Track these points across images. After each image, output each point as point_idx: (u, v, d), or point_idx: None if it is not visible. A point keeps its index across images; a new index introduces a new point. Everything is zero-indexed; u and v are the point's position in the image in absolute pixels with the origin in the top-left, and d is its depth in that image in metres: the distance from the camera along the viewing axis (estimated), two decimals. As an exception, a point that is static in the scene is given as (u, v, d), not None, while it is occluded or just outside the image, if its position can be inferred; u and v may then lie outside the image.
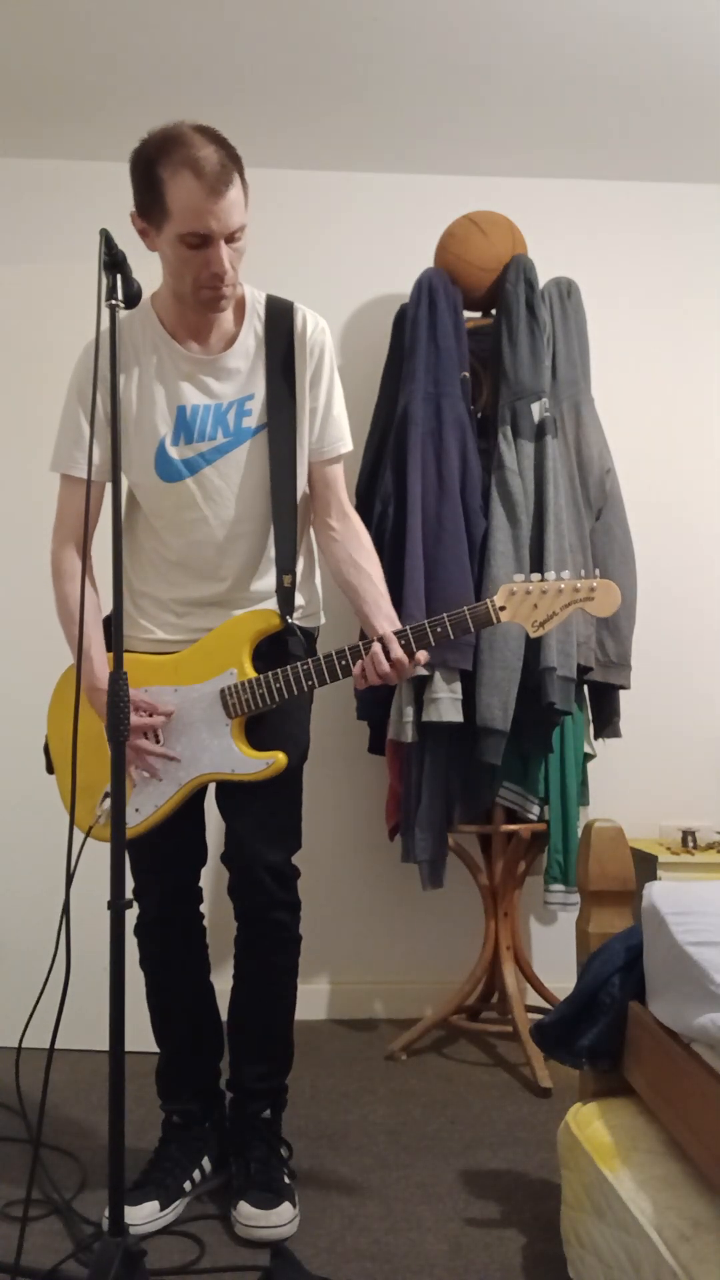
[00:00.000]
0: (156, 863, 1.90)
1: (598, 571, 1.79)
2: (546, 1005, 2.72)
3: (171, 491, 1.83)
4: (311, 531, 1.95)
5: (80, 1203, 1.82)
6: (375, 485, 2.76)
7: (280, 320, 1.84)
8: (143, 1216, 1.74)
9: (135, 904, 1.87)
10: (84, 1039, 2.18)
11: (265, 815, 1.84)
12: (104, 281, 1.58)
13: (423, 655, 1.74)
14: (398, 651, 1.69)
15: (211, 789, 1.89)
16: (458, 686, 2.51)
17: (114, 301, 1.59)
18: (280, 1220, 1.72)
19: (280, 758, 1.77)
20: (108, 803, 1.75)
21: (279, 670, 1.75)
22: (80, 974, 1.63)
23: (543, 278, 2.70)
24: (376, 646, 1.70)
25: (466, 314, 2.74)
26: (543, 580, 1.69)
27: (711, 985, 1.26)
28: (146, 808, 1.83)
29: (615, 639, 2.71)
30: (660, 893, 1.53)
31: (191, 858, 1.97)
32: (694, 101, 2.84)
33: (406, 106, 2.88)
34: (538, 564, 2.55)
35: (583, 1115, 1.58)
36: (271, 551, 1.86)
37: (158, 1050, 1.97)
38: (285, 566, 1.84)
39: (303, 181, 3.17)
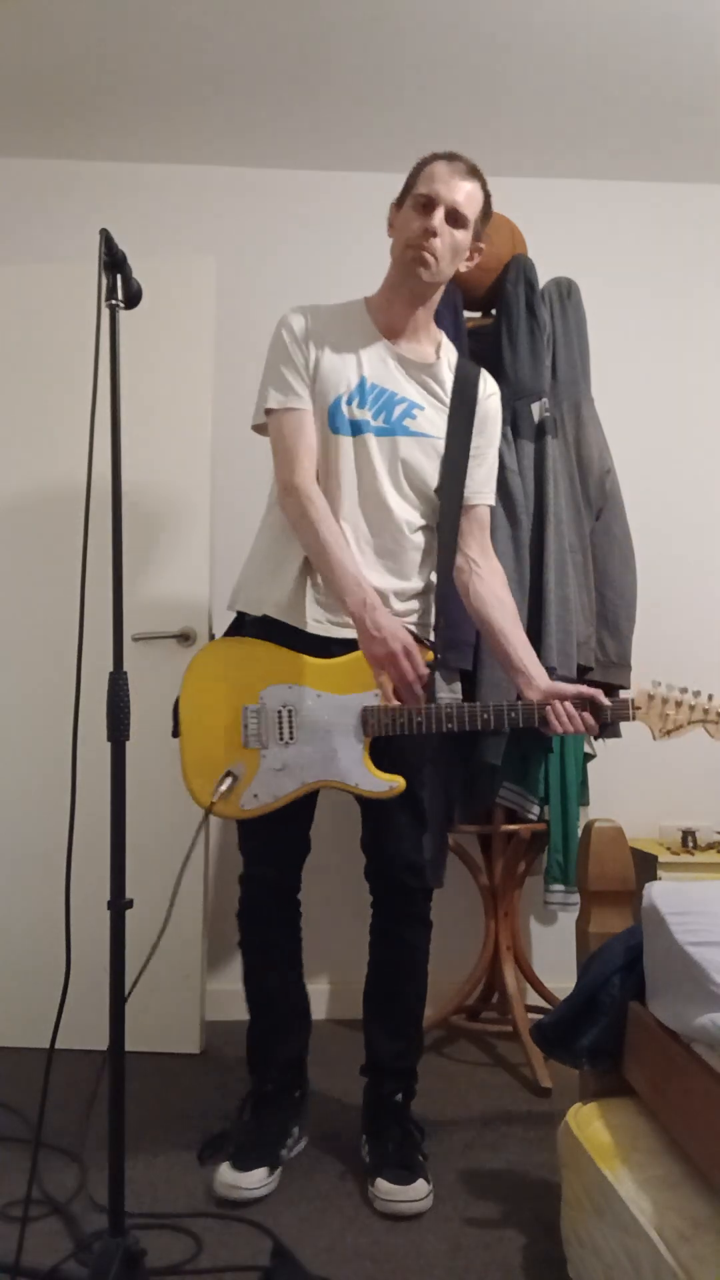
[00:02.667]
0: (269, 855, 2.00)
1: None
2: (546, 1005, 2.72)
3: (332, 443, 1.95)
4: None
5: (80, 1203, 1.82)
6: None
7: (469, 372, 2.05)
8: (255, 1181, 1.85)
9: (242, 887, 2.03)
10: (84, 1039, 2.18)
11: (404, 821, 1.99)
12: (104, 281, 1.58)
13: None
14: (580, 726, 1.91)
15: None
16: (458, 686, 2.51)
17: (114, 301, 1.59)
18: (417, 1195, 1.82)
19: (400, 782, 1.89)
20: (228, 782, 1.87)
21: (426, 706, 1.87)
22: (80, 974, 1.63)
23: (543, 278, 2.69)
24: (554, 714, 1.90)
25: (466, 314, 2.73)
26: (681, 692, 1.87)
27: (711, 985, 1.26)
28: (265, 796, 1.90)
29: (615, 639, 2.70)
30: (660, 893, 1.53)
31: (300, 852, 2.05)
32: (694, 101, 2.85)
33: (407, 107, 2.88)
34: (538, 564, 2.55)
35: (583, 1115, 1.58)
36: (419, 554, 2.01)
37: (246, 1028, 2.06)
38: (428, 582, 2.02)
39: (303, 181, 3.17)
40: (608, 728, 2.52)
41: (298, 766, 1.89)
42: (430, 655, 1.89)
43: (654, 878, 2.63)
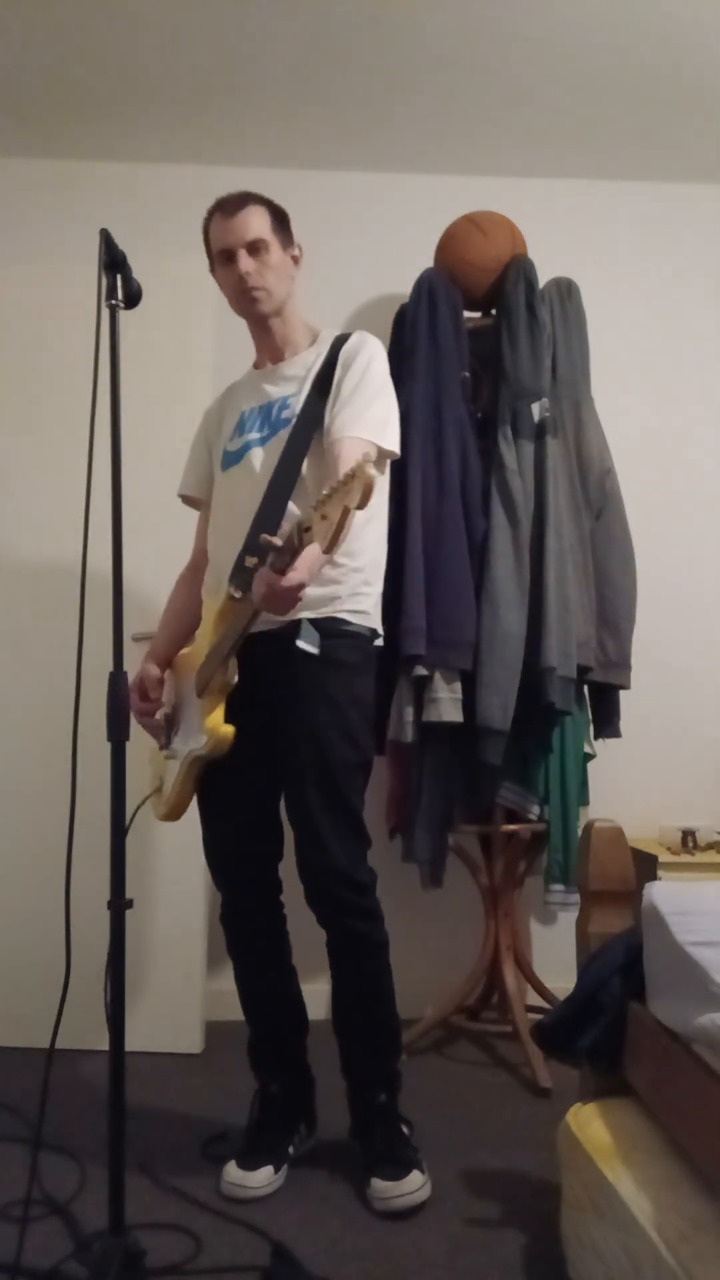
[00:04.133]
0: (229, 857, 2.01)
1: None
2: (546, 1005, 2.71)
3: (225, 479, 2.04)
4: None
5: (80, 1203, 1.82)
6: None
7: (337, 342, 2.03)
8: (260, 1181, 1.86)
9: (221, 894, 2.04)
10: (84, 1039, 2.19)
11: (319, 818, 1.87)
12: (104, 281, 1.58)
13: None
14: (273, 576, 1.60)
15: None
16: (458, 686, 2.51)
17: (114, 301, 1.59)
18: (411, 1187, 1.82)
19: (219, 728, 1.84)
20: (160, 793, 2.00)
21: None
22: (80, 974, 1.63)
23: (543, 278, 2.70)
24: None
25: (466, 314, 2.74)
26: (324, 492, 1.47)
27: (711, 985, 1.26)
28: (166, 790, 2.00)
29: (615, 639, 2.70)
30: (660, 893, 1.53)
31: (268, 849, 2.00)
32: (694, 101, 2.85)
33: (406, 106, 2.88)
34: (538, 564, 2.55)
35: (583, 1115, 1.58)
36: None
37: (247, 1028, 2.06)
38: (250, 548, 1.85)
39: (303, 181, 3.16)
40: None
41: (178, 751, 1.97)
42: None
43: (654, 878, 2.63)
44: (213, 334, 2.67)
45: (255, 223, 1.96)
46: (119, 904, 1.54)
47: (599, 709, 2.80)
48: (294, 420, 1.94)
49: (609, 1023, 1.55)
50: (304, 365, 2.02)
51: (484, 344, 2.72)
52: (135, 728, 1.77)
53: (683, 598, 3.12)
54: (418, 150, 3.07)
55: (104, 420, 1.61)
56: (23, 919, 2.61)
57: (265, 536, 1.56)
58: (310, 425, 1.92)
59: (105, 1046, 1.54)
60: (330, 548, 1.48)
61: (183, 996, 2.60)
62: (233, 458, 2.02)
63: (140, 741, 1.82)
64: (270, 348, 2.06)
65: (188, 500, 2.19)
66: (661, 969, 1.44)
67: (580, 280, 2.77)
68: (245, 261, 1.94)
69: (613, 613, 2.70)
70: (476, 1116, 2.25)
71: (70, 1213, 1.78)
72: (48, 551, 2.67)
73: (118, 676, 1.58)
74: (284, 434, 1.94)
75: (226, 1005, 2.66)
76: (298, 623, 1.79)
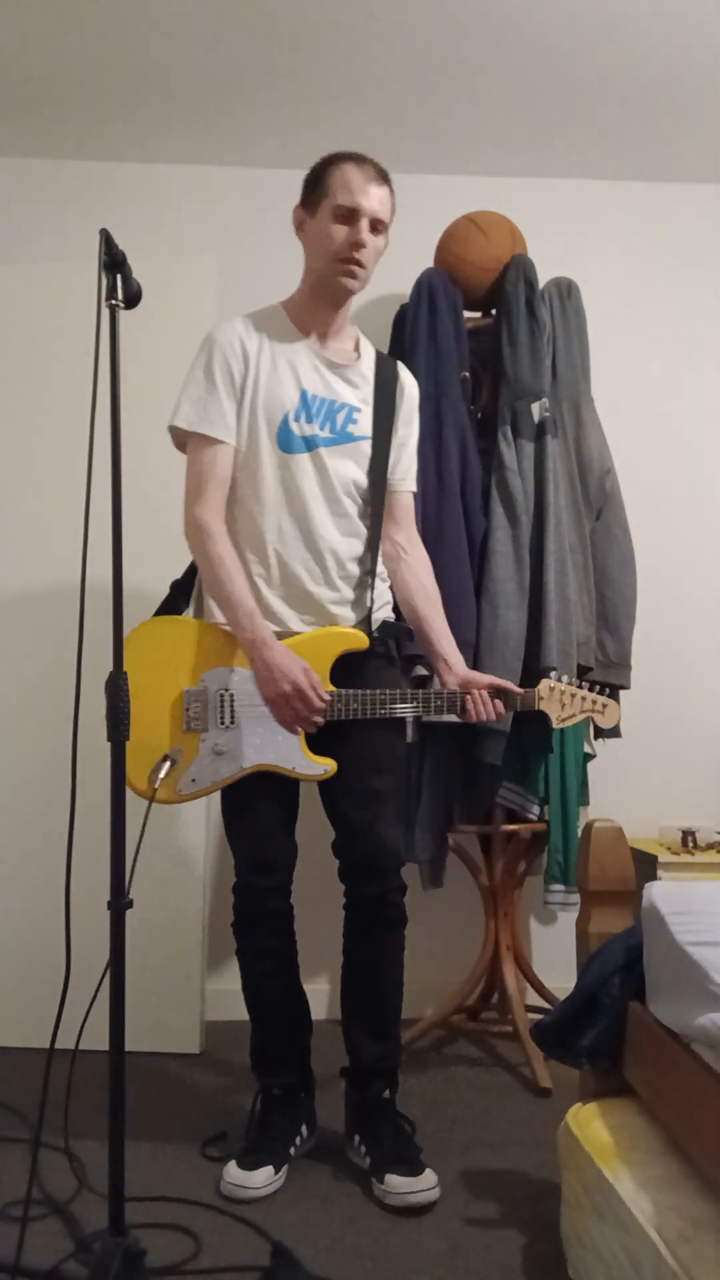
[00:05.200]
0: (263, 863, 2.00)
1: (607, 692, 2.10)
2: (546, 1005, 2.71)
3: (289, 463, 1.97)
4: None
5: (80, 1203, 1.82)
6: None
7: (387, 366, 2.11)
8: (260, 1181, 1.87)
9: (236, 897, 2.03)
10: (84, 1039, 2.18)
11: (386, 809, 2.00)
12: (104, 281, 1.58)
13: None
14: (494, 713, 1.97)
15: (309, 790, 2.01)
16: (458, 686, 2.51)
17: (114, 301, 1.59)
18: (428, 1184, 1.84)
19: (333, 765, 1.92)
20: (166, 766, 1.86)
21: (359, 692, 1.91)
22: (80, 974, 1.63)
23: (543, 278, 2.70)
24: (472, 702, 1.96)
25: (466, 314, 2.74)
26: (575, 686, 2.04)
27: (711, 985, 1.26)
28: (202, 781, 1.92)
29: (615, 639, 2.70)
30: (660, 893, 1.53)
31: (289, 859, 2.04)
32: (694, 101, 2.85)
33: (406, 106, 2.88)
34: (538, 564, 2.55)
35: (583, 1115, 1.58)
36: (359, 554, 2.02)
37: (251, 1031, 2.06)
38: (368, 571, 2.02)
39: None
40: (610, 715, 2.59)
41: (237, 751, 1.91)
42: (366, 644, 1.97)
43: (654, 878, 2.63)
44: (213, 334, 2.67)
45: (386, 202, 1.95)
46: (119, 904, 1.54)
47: (599, 709, 2.79)
48: (370, 452, 2.02)
49: (609, 1023, 1.55)
50: (361, 375, 2.06)
51: (484, 344, 2.72)
52: (135, 729, 1.73)
53: (683, 598, 3.12)
54: (418, 150, 3.07)
55: (104, 420, 1.61)
56: (23, 919, 2.61)
57: (512, 690, 1.99)
58: (383, 465, 2.04)
59: (105, 1046, 1.54)
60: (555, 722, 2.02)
61: (183, 996, 2.60)
62: (298, 443, 1.97)
63: (141, 730, 1.81)
64: (325, 322, 2.03)
65: (206, 440, 1.97)
66: (661, 969, 1.44)
67: (580, 280, 2.77)
68: (367, 234, 1.91)
69: (613, 613, 2.70)
70: (476, 1116, 2.24)
71: (70, 1213, 1.78)
72: (48, 552, 2.67)
73: (118, 676, 1.58)
74: (355, 450, 2.01)
75: (226, 1005, 2.67)
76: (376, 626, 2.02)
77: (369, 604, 2.03)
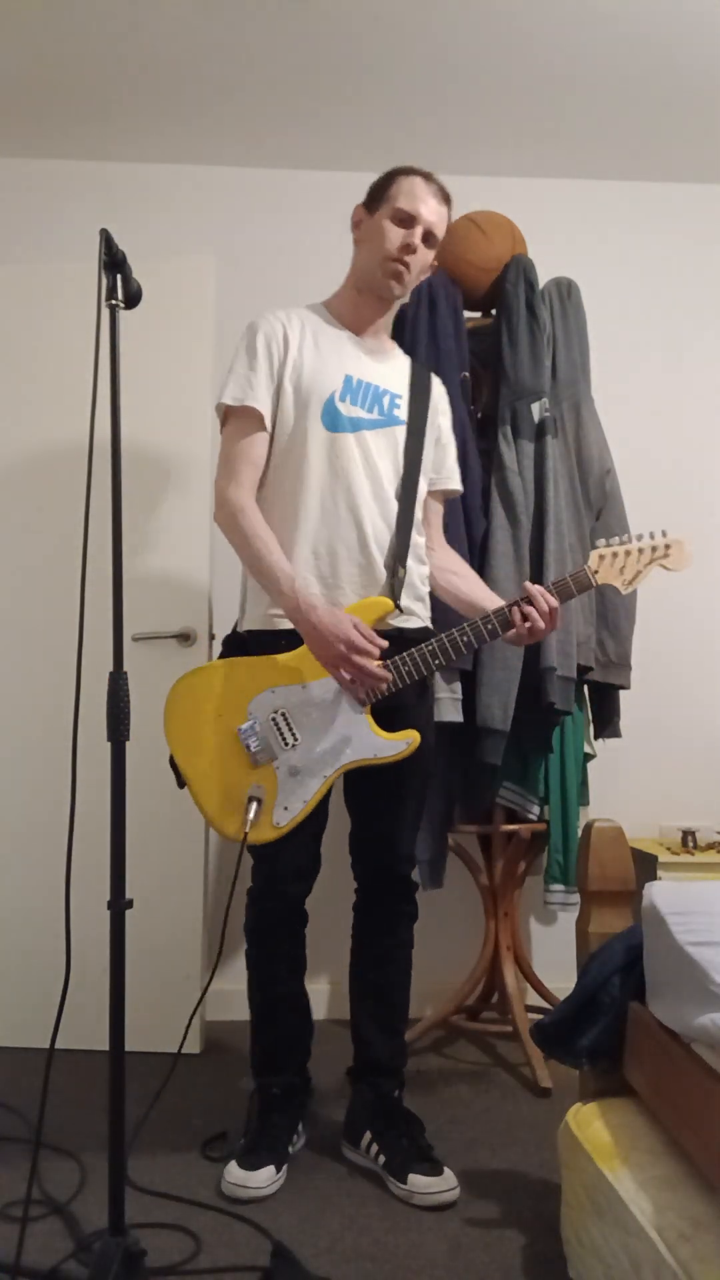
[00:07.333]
0: (289, 873, 1.99)
1: (665, 531, 1.93)
2: (546, 1005, 2.72)
3: (335, 441, 1.97)
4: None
5: (80, 1203, 1.82)
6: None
7: (420, 370, 2.15)
8: (263, 1180, 1.87)
9: (255, 906, 2.03)
10: (84, 1039, 2.18)
11: (410, 813, 2.06)
12: (104, 281, 1.58)
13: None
14: (553, 600, 1.89)
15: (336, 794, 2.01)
16: (458, 686, 2.51)
17: (114, 301, 1.59)
18: (450, 1184, 1.85)
19: (415, 735, 1.90)
20: (254, 807, 1.83)
21: (404, 655, 1.88)
22: (80, 974, 1.63)
23: (543, 278, 2.69)
24: (532, 599, 1.88)
25: (466, 314, 2.73)
26: (625, 542, 1.90)
27: (711, 985, 1.26)
28: (295, 805, 1.88)
29: (615, 639, 2.70)
30: (660, 893, 1.53)
31: (316, 866, 2.05)
32: (694, 101, 2.85)
33: (406, 106, 2.88)
34: (537, 564, 2.54)
35: (583, 1115, 1.58)
36: (393, 536, 2.01)
37: (251, 1034, 2.07)
38: (401, 557, 2.00)
39: (303, 181, 3.17)
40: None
41: (314, 763, 1.88)
42: (394, 607, 1.95)
43: (654, 878, 2.63)
44: (213, 334, 2.67)
45: (444, 221, 2.03)
46: (119, 904, 1.54)
47: (599, 709, 2.80)
48: (406, 435, 2.04)
49: (609, 1023, 1.55)
50: (399, 372, 2.10)
51: (484, 344, 2.72)
52: (213, 786, 1.82)
53: (683, 598, 3.12)
54: (417, 150, 3.05)
55: (104, 420, 1.61)
56: (23, 919, 2.61)
57: (577, 576, 1.91)
58: (418, 452, 2.05)
59: (105, 1046, 1.54)
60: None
61: (183, 996, 2.60)
62: (345, 423, 1.98)
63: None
64: (367, 320, 2.08)
65: (248, 412, 1.97)
66: (661, 969, 1.44)
67: (580, 280, 2.77)
68: (418, 241, 1.98)
69: (613, 613, 2.70)
70: (476, 1116, 2.25)
71: (70, 1213, 1.78)
72: (48, 551, 2.67)
73: (117, 676, 1.58)
74: (396, 434, 2.03)
75: (226, 1005, 2.67)
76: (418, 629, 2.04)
77: (397, 586, 2.01)
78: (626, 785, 3.00)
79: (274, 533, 1.94)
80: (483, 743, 2.50)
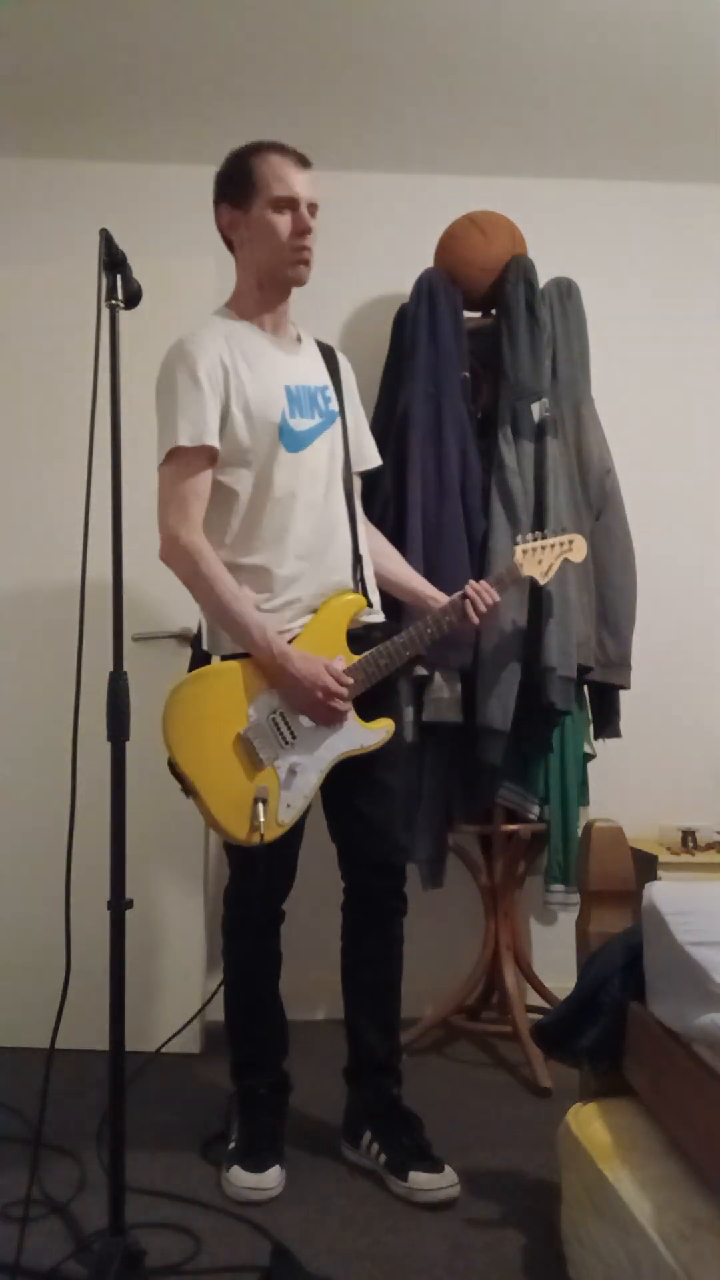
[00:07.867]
0: (278, 872, 2.01)
1: (567, 527, 2.28)
2: (546, 1005, 2.71)
3: (298, 462, 1.95)
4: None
5: (80, 1203, 1.82)
6: (375, 486, 2.76)
7: (324, 346, 2.13)
8: (274, 1180, 1.88)
9: (246, 907, 2.04)
10: (84, 1039, 2.18)
11: (398, 800, 2.08)
12: (104, 281, 1.59)
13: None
14: (494, 595, 2.01)
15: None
16: (458, 686, 2.51)
17: (114, 301, 1.59)
18: (451, 1181, 1.85)
19: (390, 723, 1.98)
20: (261, 808, 1.85)
21: (377, 649, 1.95)
22: (80, 974, 1.63)
23: (543, 278, 2.70)
24: (472, 593, 2.00)
25: (466, 314, 2.74)
26: (539, 538, 2.13)
27: (711, 985, 1.26)
28: (297, 800, 1.91)
29: (615, 639, 2.70)
30: (660, 893, 1.53)
31: (293, 869, 2.06)
32: (694, 101, 2.84)
33: (406, 106, 2.88)
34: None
35: (583, 1115, 1.58)
36: (351, 535, 2.03)
37: (231, 1039, 2.08)
38: (359, 554, 2.04)
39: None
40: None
41: (310, 759, 1.91)
42: (365, 601, 2.01)
43: (654, 878, 2.63)
44: (213, 334, 2.67)
45: (317, 183, 1.93)
46: (119, 904, 1.54)
47: (599, 709, 2.80)
48: (342, 427, 2.04)
49: (609, 1023, 1.55)
50: (315, 359, 2.07)
51: (484, 344, 2.72)
52: (220, 788, 1.82)
53: (683, 597, 3.12)
54: (418, 150, 3.07)
55: (104, 420, 1.61)
56: (23, 919, 2.61)
57: (510, 570, 2.08)
58: (347, 440, 2.06)
59: (105, 1046, 1.54)
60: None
61: (183, 996, 2.60)
62: (301, 439, 1.95)
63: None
64: (277, 315, 2.03)
65: (202, 450, 1.88)
66: (661, 969, 1.44)
67: (580, 280, 2.77)
68: (309, 218, 1.91)
69: (613, 612, 2.70)
70: (476, 1116, 2.25)
71: (70, 1213, 1.78)
72: (48, 552, 2.67)
73: (117, 676, 1.58)
74: (336, 430, 2.02)
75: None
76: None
77: (364, 580, 2.05)
78: (626, 785, 2.99)
79: (260, 563, 1.92)
80: (483, 742, 2.50)
